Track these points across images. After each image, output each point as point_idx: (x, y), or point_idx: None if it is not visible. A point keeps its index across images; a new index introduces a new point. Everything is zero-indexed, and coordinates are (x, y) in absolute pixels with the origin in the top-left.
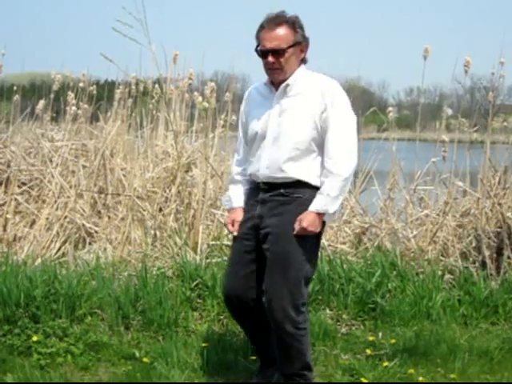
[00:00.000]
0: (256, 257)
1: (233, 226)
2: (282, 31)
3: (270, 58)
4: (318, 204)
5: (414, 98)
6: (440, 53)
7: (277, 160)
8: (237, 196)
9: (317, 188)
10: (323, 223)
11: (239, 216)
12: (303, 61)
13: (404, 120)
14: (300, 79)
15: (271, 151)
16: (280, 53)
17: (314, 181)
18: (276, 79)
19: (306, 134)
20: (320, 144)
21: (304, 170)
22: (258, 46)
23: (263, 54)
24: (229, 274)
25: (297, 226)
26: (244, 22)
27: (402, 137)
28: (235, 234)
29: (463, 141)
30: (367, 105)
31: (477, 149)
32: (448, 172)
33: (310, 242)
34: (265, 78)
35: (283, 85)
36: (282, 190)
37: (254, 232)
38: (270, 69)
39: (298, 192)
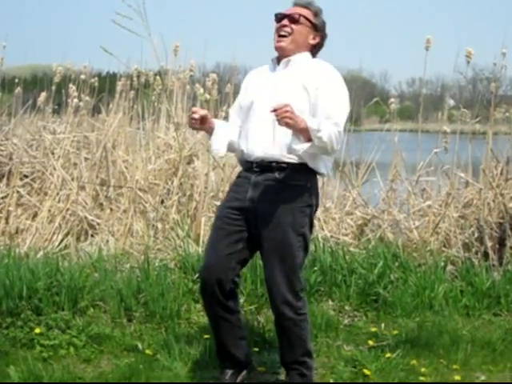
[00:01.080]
0: (241, 238)
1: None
2: (304, 10)
3: (285, 21)
4: (311, 119)
5: (415, 89)
6: (442, 43)
7: (273, 134)
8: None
9: (314, 173)
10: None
11: (203, 111)
12: (312, 52)
13: (406, 111)
14: (303, 59)
15: (267, 124)
16: (295, 19)
17: (311, 163)
18: (280, 47)
19: (299, 103)
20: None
21: (287, 142)
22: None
23: (279, 18)
24: (209, 253)
25: (278, 104)
26: (245, 13)
27: (404, 128)
28: (195, 116)
29: (465, 132)
30: (369, 96)
31: (479, 140)
32: (450, 163)
33: (304, 227)
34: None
35: (285, 59)
36: (276, 175)
37: (241, 214)
38: (279, 35)
39: (294, 177)
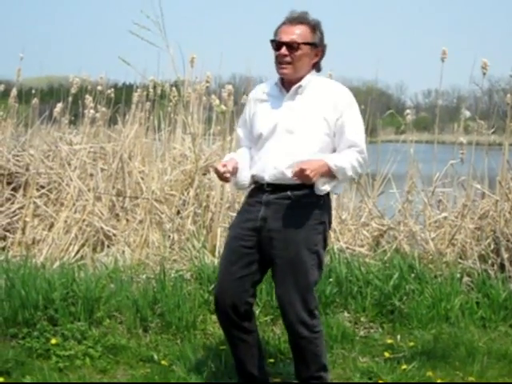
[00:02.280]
0: (254, 259)
1: (223, 166)
2: (301, 29)
3: (283, 50)
4: (333, 158)
5: (431, 100)
6: (458, 55)
7: (286, 159)
8: (236, 153)
9: (326, 193)
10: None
11: (232, 162)
12: (316, 67)
13: (422, 122)
14: (313, 83)
15: (280, 150)
16: (294, 47)
17: (324, 186)
18: (284, 75)
19: (318, 135)
20: (331, 150)
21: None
22: (274, 39)
23: (277, 45)
24: (224, 275)
25: (295, 167)
26: (261, 24)
27: (419, 139)
28: (227, 175)
29: (481, 143)
30: (385, 107)
31: (495, 151)
32: (466, 174)
33: (319, 246)
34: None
35: (296, 86)
36: (289, 193)
37: (254, 234)
38: (280, 63)
39: (307, 196)
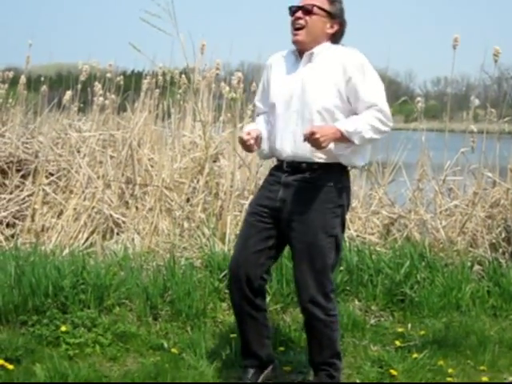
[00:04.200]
0: (271, 235)
1: (248, 134)
2: None
3: (298, 13)
4: (345, 123)
5: (440, 88)
6: (466, 42)
7: (300, 134)
8: (255, 124)
9: (346, 173)
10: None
11: (255, 130)
12: (333, 39)
13: (431, 110)
14: (326, 51)
15: (297, 123)
16: (308, 10)
17: (344, 160)
18: (298, 42)
19: (328, 100)
20: (346, 114)
21: (332, 148)
22: (291, 6)
23: (293, 11)
24: (240, 248)
25: (306, 130)
26: (270, 11)
27: (429, 127)
28: (251, 142)
29: (491, 131)
30: (394, 95)
31: (506, 139)
32: (477, 162)
33: (336, 228)
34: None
35: (308, 52)
36: (307, 175)
37: (272, 212)
38: (294, 29)
39: (326, 178)
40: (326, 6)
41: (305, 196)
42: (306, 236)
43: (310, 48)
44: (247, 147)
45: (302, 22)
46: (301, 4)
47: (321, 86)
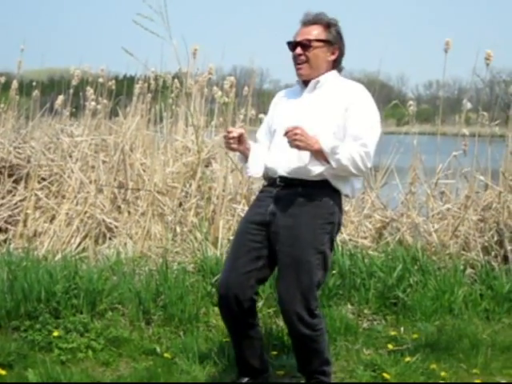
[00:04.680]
0: (261, 255)
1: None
2: (314, 28)
3: (298, 50)
4: (329, 143)
5: (432, 92)
6: (458, 46)
7: (298, 154)
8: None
9: (337, 192)
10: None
11: (240, 131)
12: (337, 67)
13: (423, 114)
14: (331, 80)
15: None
16: (306, 45)
17: (334, 183)
18: (302, 75)
19: (327, 128)
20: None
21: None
22: (289, 41)
23: (293, 47)
24: (229, 269)
25: (289, 127)
26: (262, 17)
27: (421, 131)
28: (232, 135)
29: (483, 134)
30: (386, 99)
31: (498, 142)
32: (469, 166)
33: (325, 245)
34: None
35: (314, 81)
36: (299, 189)
37: (263, 228)
38: (297, 63)
39: (317, 193)
40: (323, 36)
41: (295, 209)
42: (294, 250)
43: (314, 76)
44: (229, 144)
45: (302, 57)
46: (298, 40)
47: (321, 114)
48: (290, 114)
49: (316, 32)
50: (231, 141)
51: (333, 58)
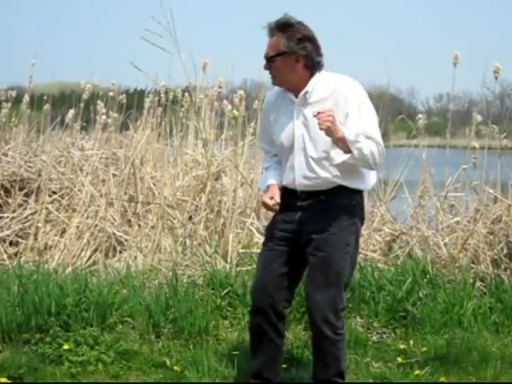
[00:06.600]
0: (290, 259)
1: (271, 199)
2: (273, 40)
3: (264, 64)
4: (351, 133)
5: (443, 105)
6: (468, 58)
7: (311, 169)
8: (271, 175)
9: (356, 191)
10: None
11: (277, 191)
12: (313, 67)
13: (434, 127)
14: (318, 85)
15: (303, 161)
16: (269, 60)
17: (352, 184)
18: (276, 85)
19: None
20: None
21: (341, 175)
22: None
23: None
24: (263, 272)
25: (322, 108)
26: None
27: (431, 143)
28: (276, 208)
29: (493, 147)
30: (396, 111)
31: (507, 155)
32: (478, 179)
33: (352, 247)
34: None
35: (302, 92)
36: (322, 197)
37: (290, 236)
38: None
39: (339, 197)
40: (282, 47)
41: (321, 216)
42: (322, 252)
43: (296, 86)
44: (271, 210)
45: (271, 71)
46: (265, 54)
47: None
48: (295, 129)
49: (274, 44)
50: (277, 207)
51: (300, 64)
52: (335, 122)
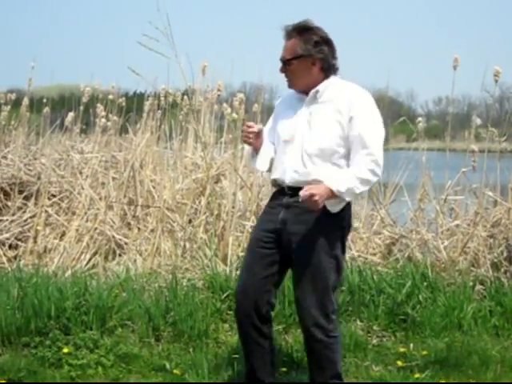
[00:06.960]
0: (275, 260)
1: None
2: (290, 43)
3: (280, 67)
4: (336, 181)
5: (442, 108)
6: (468, 61)
7: (303, 163)
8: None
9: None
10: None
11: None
12: (328, 71)
13: (433, 130)
14: (331, 87)
15: (299, 156)
16: (286, 63)
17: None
18: (290, 88)
19: (331, 139)
20: (346, 153)
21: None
22: None
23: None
24: (246, 275)
25: (304, 192)
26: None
27: (431, 147)
28: (253, 130)
29: (493, 150)
30: (396, 115)
31: (507, 158)
32: (478, 182)
33: (337, 249)
34: None
35: (313, 91)
36: None
37: (274, 235)
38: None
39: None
40: (299, 51)
41: (306, 216)
42: (307, 255)
43: (310, 87)
44: (247, 137)
45: (287, 75)
46: (281, 57)
47: (325, 125)
48: (297, 126)
49: (291, 47)
50: (250, 135)
51: (316, 67)
52: (320, 195)
